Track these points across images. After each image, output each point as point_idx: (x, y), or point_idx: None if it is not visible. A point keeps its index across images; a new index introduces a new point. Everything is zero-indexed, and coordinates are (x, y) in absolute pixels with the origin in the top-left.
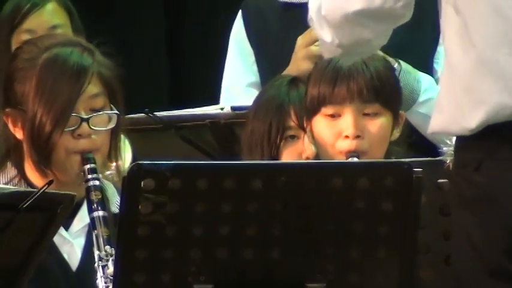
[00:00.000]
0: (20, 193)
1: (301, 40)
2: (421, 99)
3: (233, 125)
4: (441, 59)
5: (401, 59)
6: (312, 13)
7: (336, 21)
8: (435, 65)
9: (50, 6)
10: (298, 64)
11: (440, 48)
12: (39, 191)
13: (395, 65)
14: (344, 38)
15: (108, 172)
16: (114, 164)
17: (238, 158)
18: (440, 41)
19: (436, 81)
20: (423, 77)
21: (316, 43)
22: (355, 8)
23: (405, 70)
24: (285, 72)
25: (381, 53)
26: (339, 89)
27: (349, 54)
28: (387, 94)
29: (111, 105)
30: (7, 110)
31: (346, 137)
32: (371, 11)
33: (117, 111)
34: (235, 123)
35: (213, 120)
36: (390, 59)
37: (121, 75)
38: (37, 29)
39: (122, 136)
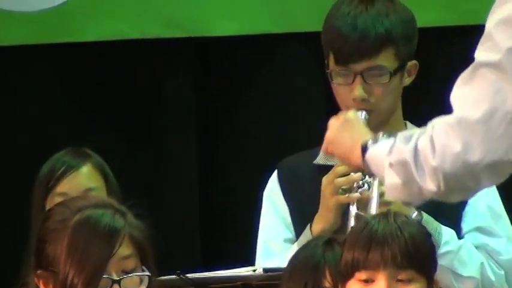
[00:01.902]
0: None
1: (326, 180)
2: (441, 251)
3: (265, 286)
4: (468, 218)
5: (430, 214)
6: (406, 155)
7: (452, 170)
8: (462, 224)
9: (85, 169)
10: (327, 203)
11: (468, 208)
12: None
13: (415, 214)
14: (451, 187)
15: None
16: None
17: None
18: (469, 201)
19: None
20: (445, 230)
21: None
22: (475, 159)
23: (426, 220)
24: (316, 217)
25: (399, 203)
26: (372, 254)
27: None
28: (422, 260)
29: (143, 267)
30: (38, 272)
31: None
32: (492, 162)
33: (148, 273)
34: (267, 285)
35: (245, 282)
36: (410, 209)
37: (153, 236)
38: (71, 193)
39: None
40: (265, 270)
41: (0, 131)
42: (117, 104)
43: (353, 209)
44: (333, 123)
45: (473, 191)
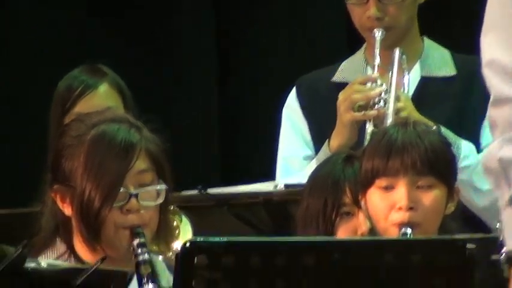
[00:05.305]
0: (73, 270)
1: (342, 95)
2: (460, 165)
3: (286, 202)
4: (488, 132)
5: (450, 129)
6: (491, 163)
7: None
8: (481, 139)
9: (102, 89)
10: (342, 119)
11: (487, 123)
12: (92, 267)
13: (434, 127)
14: None
15: (170, 254)
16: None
17: (292, 235)
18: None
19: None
20: (464, 144)
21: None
22: None
23: (445, 134)
24: (333, 133)
25: (420, 116)
26: (392, 161)
27: None
28: (441, 167)
29: (160, 181)
30: (55, 186)
31: (400, 208)
32: None
33: (165, 186)
34: (289, 200)
35: (266, 198)
36: (429, 123)
37: (172, 150)
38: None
39: (183, 217)
40: (287, 186)
41: None
42: (136, 18)
43: (369, 126)
44: None
45: None
